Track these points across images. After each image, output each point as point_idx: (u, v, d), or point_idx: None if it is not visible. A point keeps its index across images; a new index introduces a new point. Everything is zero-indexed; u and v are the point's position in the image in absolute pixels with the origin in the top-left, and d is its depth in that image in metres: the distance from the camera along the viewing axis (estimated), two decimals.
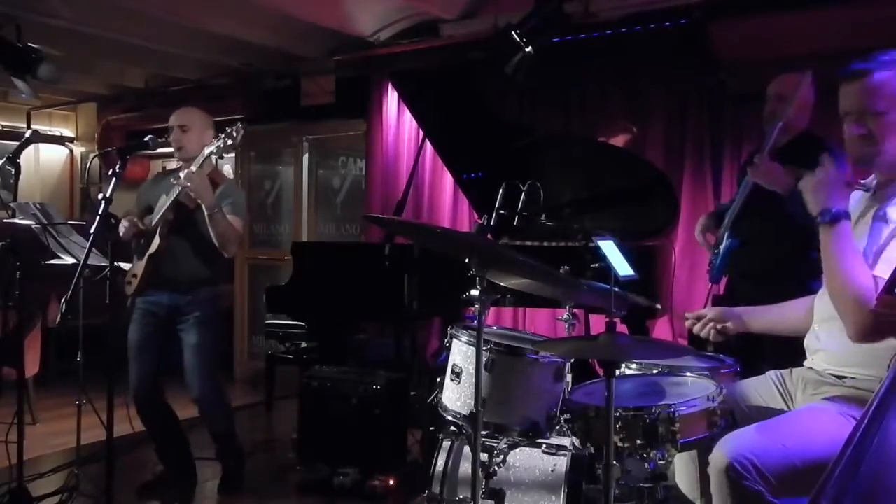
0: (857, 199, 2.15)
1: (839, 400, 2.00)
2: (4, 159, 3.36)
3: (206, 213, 3.44)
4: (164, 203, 3.55)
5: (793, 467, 1.85)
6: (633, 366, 2.47)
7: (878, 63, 2.00)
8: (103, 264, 3.20)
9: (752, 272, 3.38)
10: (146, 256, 3.57)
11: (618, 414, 2.06)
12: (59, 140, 8.50)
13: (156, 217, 3.57)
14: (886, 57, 2.01)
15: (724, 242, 3.43)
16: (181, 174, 3.45)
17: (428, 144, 5.22)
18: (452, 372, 2.54)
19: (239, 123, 3.49)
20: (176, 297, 3.62)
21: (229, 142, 3.46)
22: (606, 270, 2.89)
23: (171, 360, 3.75)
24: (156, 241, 3.54)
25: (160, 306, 3.65)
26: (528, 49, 4.31)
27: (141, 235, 3.61)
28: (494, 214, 2.79)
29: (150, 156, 8.13)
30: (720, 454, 1.88)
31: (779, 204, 3.08)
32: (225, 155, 3.65)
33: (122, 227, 3.60)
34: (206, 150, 3.49)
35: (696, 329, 2.40)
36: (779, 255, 3.21)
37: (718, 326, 2.38)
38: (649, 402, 2.12)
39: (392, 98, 6.08)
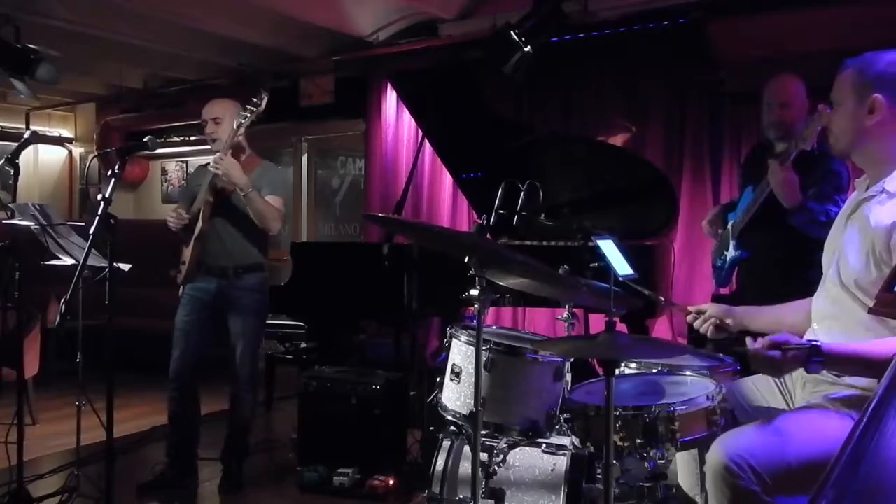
0: (851, 199, 2.17)
1: (837, 399, 2.01)
2: (3, 160, 3.35)
3: (241, 194, 3.52)
4: (203, 188, 3.65)
5: (788, 467, 1.84)
6: (633, 365, 2.47)
7: None
8: (103, 265, 3.19)
9: (759, 283, 3.38)
10: (192, 241, 3.67)
11: (617, 413, 2.06)
12: (58, 141, 8.50)
13: (197, 202, 3.67)
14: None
15: (732, 252, 3.43)
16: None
17: (427, 144, 5.22)
18: (452, 372, 2.54)
19: (262, 92, 3.56)
20: (224, 284, 3.70)
21: (255, 110, 3.53)
22: (606, 270, 2.89)
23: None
24: (199, 225, 3.64)
25: (207, 293, 3.71)
26: (527, 48, 4.31)
27: (189, 225, 3.69)
28: (494, 214, 2.79)
29: (150, 156, 8.14)
30: (716, 453, 1.89)
31: (783, 217, 3.08)
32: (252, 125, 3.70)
33: (170, 219, 3.71)
34: (234, 124, 3.56)
35: (696, 324, 2.41)
36: (784, 267, 3.20)
37: (718, 323, 2.38)
38: (649, 402, 2.12)
39: (391, 98, 6.08)
